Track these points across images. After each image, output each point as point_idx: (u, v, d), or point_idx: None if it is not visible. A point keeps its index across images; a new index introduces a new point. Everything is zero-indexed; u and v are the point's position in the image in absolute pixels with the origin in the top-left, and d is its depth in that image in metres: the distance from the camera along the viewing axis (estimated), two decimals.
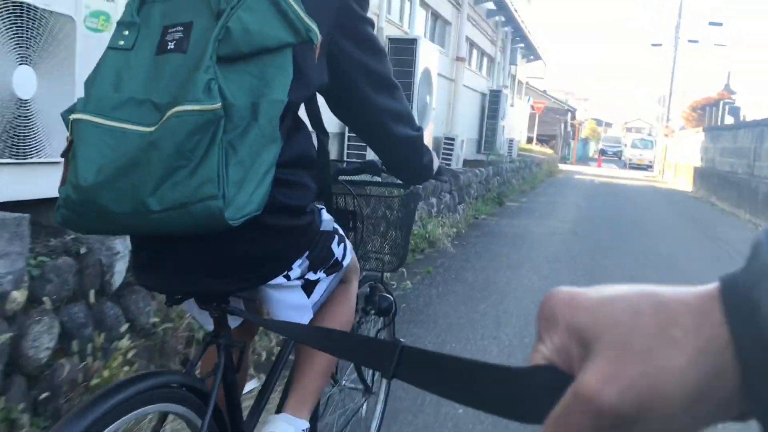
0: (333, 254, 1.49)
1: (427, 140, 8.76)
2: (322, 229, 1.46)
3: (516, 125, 21.76)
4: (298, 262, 1.38)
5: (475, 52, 14.85)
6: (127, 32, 1.24)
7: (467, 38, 13.18)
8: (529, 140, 28.86)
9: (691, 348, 0.33)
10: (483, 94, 15.18)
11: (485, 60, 16.08)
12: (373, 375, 2.32)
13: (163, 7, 1.25)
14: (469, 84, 13.42)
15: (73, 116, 1.17)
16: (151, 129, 1.11)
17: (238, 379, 1.52)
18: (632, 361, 0.33)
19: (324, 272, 1.48)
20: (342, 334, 0.96)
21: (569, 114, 39.14)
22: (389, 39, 8.03)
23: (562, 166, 29.01)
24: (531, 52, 21.56)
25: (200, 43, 1.15)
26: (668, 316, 0.34)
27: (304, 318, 1.45)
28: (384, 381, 2.38)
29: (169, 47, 1.19)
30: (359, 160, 2.17)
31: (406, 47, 7.95)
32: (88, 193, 1.13)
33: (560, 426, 0.35)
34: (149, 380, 1.25)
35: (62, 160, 1.22)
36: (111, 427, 1.13)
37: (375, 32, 1.46)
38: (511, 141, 17.65)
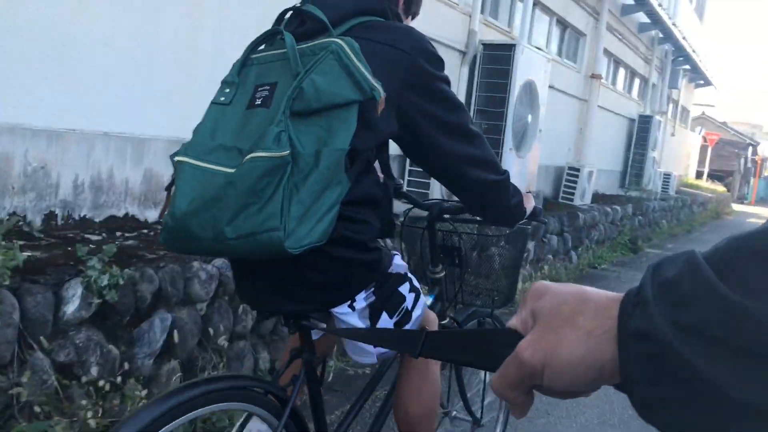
0: (403, 299, 1.62)
1: (532, 168, 7.17)
2: (390, 270, 1.61)
3: (677, 158, 19.22)
4: (363, 294, 1.54)
5: (621, 70, 12.87)
6: (227, 90, 1.48)
7: (608, 53, 11.33)
8: (699, 175, 25.70)
9: (585, 330, 0.52)
10: (630, 120, 13.15)
11: (636, 81, 13.99)
12: (482, 406, 2.40)
13: (258, 69, 1.47)
14: (608, 106, 11.53)
15: (177, 158, 1.39)
16: (233, 170, 1.30)
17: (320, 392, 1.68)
18: (546, 334, 0.53)
19: (389, 316, 1.59)
20: (379, 330, 1.44)
21: (750, 148, 34.74)
22: (483, 44, 6.61)
23: (736, 207, 25.45)
24: (699, 76, 18.91)
25: (279, 100, 1.34)
26: (580, 308, 0.53)
27: (367, 359, 1.67)
28: (501, 418, 2.42)
29: (256, 103, 1.40)
30: None
31: (501, 54, 6.49)
32: (180, 221, 1.34)
33: (504, 371, 0.56)
34: (238, 381, 1.55)
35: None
36: (197, 412, 1.39)
37: (450, 88, 1.57)
38: (667, 175, 15.35)
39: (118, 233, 3.26)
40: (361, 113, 1.36)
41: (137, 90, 3.38)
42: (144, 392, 2.62)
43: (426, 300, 1.79)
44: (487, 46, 6.62)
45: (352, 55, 1.36)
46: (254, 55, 1.50)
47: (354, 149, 1.37)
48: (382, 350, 1.62)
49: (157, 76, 3.48)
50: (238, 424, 1.64)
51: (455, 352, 0.67)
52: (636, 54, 13.15)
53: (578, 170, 9.16)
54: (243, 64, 1.49)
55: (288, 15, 1.54)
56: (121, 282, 2.59)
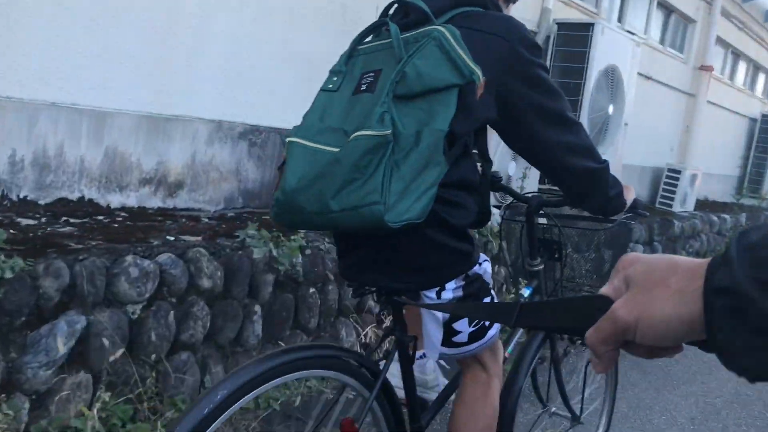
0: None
1: (614, 167, 6.27)
2: (480, 272, 1.66)
3: None
4: (452, 284, 1.60)
5: (741, 63, 11.47)
6: (335, 78, 1.58)
7: (723, 42, 10.07)
8: None
9: (675, 289, 0.58)
10: (751, 119, 11.72)
11: (761, 76, 12.48)
12: (582, 406, 2.41)
13: (364, 58, 1.56)
14: (722, 102, 10.25)
15: (288, 139, 1.50)
16: (338, 149, 1.39)
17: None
18: (639, 294, 0.60)
19: (470, 332, 1.67)
20: (475, 305, 1.55)
21: None
22: (557, 24, 5.82)
23: None
24: None
25: (384, 84, 1.43)
26: (671, 271, 0.59)
27: (433, 353, 1.72)
28: (603, 420, 2.61)
29: (362, 88, 1.49)
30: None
31: (578, 35, 5.67)
32: (290, 195, 1.44)
33: (599, 326, 0.62)
34: (333, 350, 1.63)
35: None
36: (293, 374, 1.50)
37: (548, 75, 1.58)
38: None
39: (63, 218, 2.84)
40: (461, 97, 1.41)
41: (97, 56, 2.95)
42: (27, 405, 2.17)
43: (524, 293, 1.88)
44: (562, 26, 5.82)
45: (453, 41, 1.42)
46: (360, 46, 1.60)
47: (452, 132, 1.42)
48: (446, 350, 1.70)
49: (124, 42, 3.04)
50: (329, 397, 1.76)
51: (549, 320, 0.74)
52: (761, 45, 11.69)
53: (679, 172, 8.10)
54: (350, 55, 1.60)
55: (393, 8, 1.63)
56: (10, 275, 2.15)
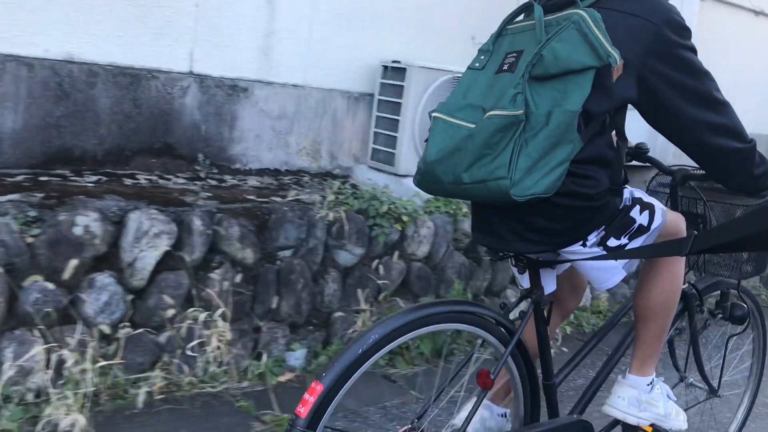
0: (634, 221, 1.73)
1: None
2: (621, 206, 1.70)
3: None
4: (594, 233, 1.66)
5: None
6: (482, 57, 1.68)
7: None
8: None
9: None
10: None
11: None
12: (720, 379, 2.43)
13: (511, 39, 1.65)
14: None
15: (433, 114, 1.63)
16: (474, 125, 1.51)
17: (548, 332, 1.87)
18: None
19: (627, 238, 1.72)
20: (645, 247, 1.73)
21: None
22: None
23: None
24: None
25: (522, 66, 1.51)
26: None
27: (615, 277, 1.78)
28: (748, 393, 2.64)
29: (504, 68, 1.58)
30: None
31: None
32: (429, 166, 1.59)
33: None
34: (474, 307, 1.75)
35: None
36: (438, 326, 1.64)
37: (696, 56, 1.61)
38: None
39: None
40: (597, 78, 1.48)
41: None
42: None
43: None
44: None
45: (592, 24, 1.48)
46: (509, 26, 1.68)
47: (588, 111, 1.50)
48: (627, 262, 1.76)
49: None
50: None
51: (728, 239, 0.77)
52: None
53: None
54: (498, 35, 1.69)
55: None
56: None
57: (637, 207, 1.74)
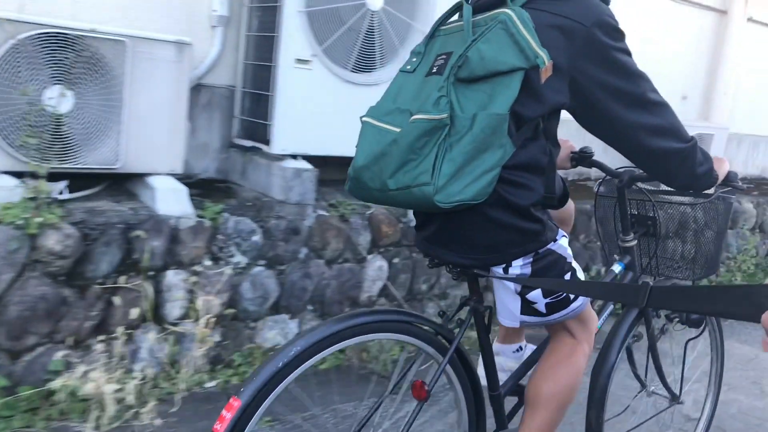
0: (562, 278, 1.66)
1: None
2: (553, 248, 1.63)
3: None
4: (520, 261, 1.59)
5: None
6: (414, 59, 1.64)
7: None
8: None
9: None
10: None
11: None
12: (681, 385, 2.39)
13: (442, 40, 1.62)
14: None
15: (363, 118, 1.60)
16: (399, 130, 1.47)
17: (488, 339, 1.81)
18: None
19: (546, 304, 1.65)
20: (597, 284, 1.79)
21: None
22: None
23: None
24: None
25: (448, 68, 1.46)
26: None
27: (508, 320, 1.71)
28: (709, 399, 2.59)
29: (433, 71, 1.53)
30: None
31: None
32: (358, 172, 1.55)
33: None
34: (409, 317, 1.71)
35: None
36: (369, 336, 1.60)
37: (630, 58, 1.57)
38: None
39: None
40: (526, 81, 1.43)
41: None
42: None
43: (616, 268, 1.86)
44: None
45: (520, 24, 1.43)
46: (442, 27, 1.65)
47: (519, 115, 1.46)
48: (527, 318, 1.70)
49: None
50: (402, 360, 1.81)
51: (691, 303, 0.80)
52: None
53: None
54: (431, 36, 1.65)
55: None
56: None
57: (569, 274, 1.67)
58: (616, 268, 2.12)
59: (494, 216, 1.50)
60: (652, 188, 2.13)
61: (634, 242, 2.16)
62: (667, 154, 1.62)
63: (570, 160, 2.11)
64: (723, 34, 6.15)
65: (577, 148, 2.10)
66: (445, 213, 1.48)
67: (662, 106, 1.60)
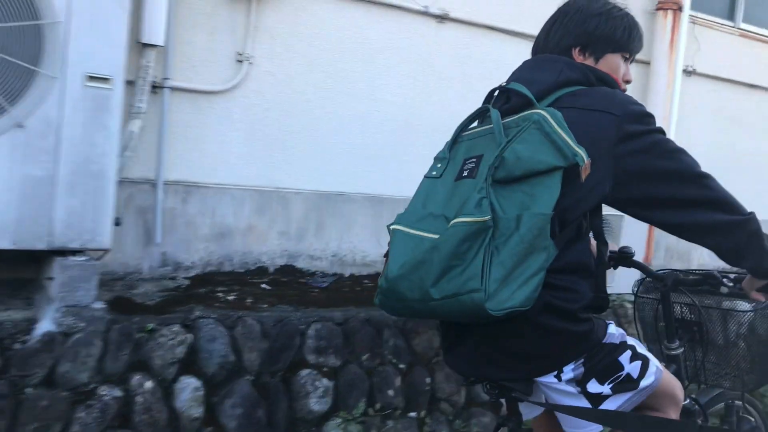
0: (621, 367, 1.55)
1: None
2: (605, 341, 1.54)
3: None
4: (571, 365, 1.50)
5: None
6: (439, 165, 1.62)
7: None
8: None
9: None
10: None
11: None
12: None
13: (468, 145, 1.59)
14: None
15: (392, 226, 1.54)
16: (438, 236, 1.40)
17: None
18: None
19: (610, 387, 1.53)
20: (641, 417, 1.50)
21: None
22: None
23: None
24: None
25: (484, 170, 1.44)
26: None
27: (591, 427, 1.57)
28: None
29: (464, 174, 1.51)
30: (699, 270, 2.07)
31: None
32: (392, 283, 1.46)
33: None
34: None
35: None
36: None
37: (665, 136, 1.54)
38: None
39: None
40: (566, 179, 1.41)
41: None
42: None
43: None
44: None
45: (554, 124, 1.43)
46: (464, 133, 1.64)
47: (562, 215, 1.43)
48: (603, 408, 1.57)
49: None
50: None
51: None
52: None
53: None
54: (454, 142, 1.64)
55: (495, 93, 1.64)
56: None
57: (628, 353, 1.58)
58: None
59: (542, 322, 1.44)
60: (699, 290, 2.01)
61: (680, 350, 2.02)
62: (722, 227, 1.53)
63: (609, 260, 1.98)
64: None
65: (616, 247, 2.00)
66: (484, 324, 1.43)
67: (708, 178, 1.54)
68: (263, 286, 3.77)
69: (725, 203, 1.54)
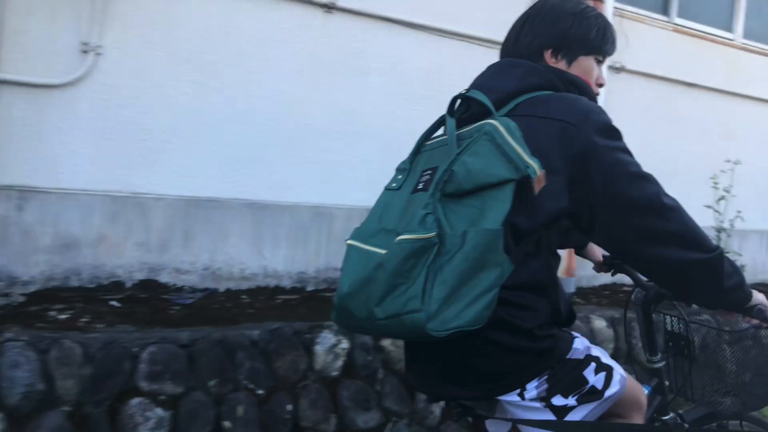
0: (586, 381, 1.49)
1: None
2: (569, 356, 1.47)
3: None
4: (534, 383, 1.43)
5: None
6: (400, 176, 1.55)
7: None
8: None
9: None
10: None
11: None
12: None
13: (428, 155, 1.52)
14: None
15: (347, 241, 1.48)
16: (385, 252, 1.32)
17: None
18: None
19: (575, 398, 1.47)
20: (624, 426, 1.44)
21: None
22: None
23: None
24: None
25: (434, 183, 1.37)
26: None
27: None
28: None
29: (419, 187, 1.44)
30: None
31: None
32: (343, 301, 1.40)
33: None
34: None
35: None
36: None
37: (631, 158, 1.43)
38: None
39: None
40: (520, 192, 1.34)
41: None
42: None
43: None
44: None
45: (506, 134, 1.37)
46: (427, 143, 1.58)
47: (517, 230, 1.36)
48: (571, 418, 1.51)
49: None
50: None
51: None
52: None
53: None
54: (416, 152, 1.58)
55: (458, 102, 1.57)
56: None
57: (593, 366, 1.51)
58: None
59: (499, 340, 1.37)
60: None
61: (661, 364, 1.92)
62: (686, 265, 1.41)
63: (602, 264, 2.00)
64: None
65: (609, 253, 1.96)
66: (441, 342, 1.32)
67: (675, 210, 1.42)
68: (112, 303, 3.36)
69: (696, 239, 1.43)
